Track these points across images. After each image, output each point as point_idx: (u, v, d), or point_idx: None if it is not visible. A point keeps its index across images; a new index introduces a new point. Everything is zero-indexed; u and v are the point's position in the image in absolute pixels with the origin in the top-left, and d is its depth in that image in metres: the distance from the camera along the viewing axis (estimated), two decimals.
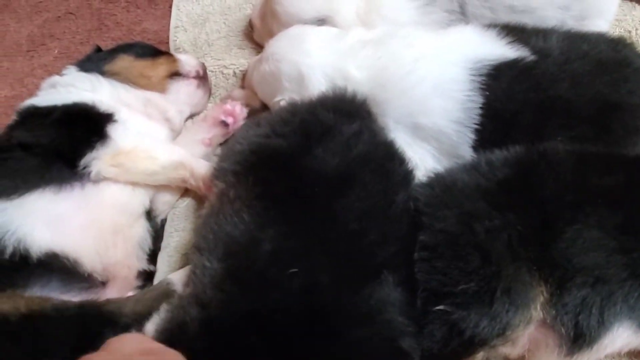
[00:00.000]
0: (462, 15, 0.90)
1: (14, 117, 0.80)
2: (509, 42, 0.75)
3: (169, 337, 0.56)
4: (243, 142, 0.72)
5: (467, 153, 0.73)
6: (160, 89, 0.85)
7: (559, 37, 0.78)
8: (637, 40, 0.97)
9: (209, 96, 0.94)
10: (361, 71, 0.75)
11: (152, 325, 0.61)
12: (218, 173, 0.72)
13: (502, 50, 0.74)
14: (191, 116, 0.93)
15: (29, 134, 0.73)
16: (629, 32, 0.97)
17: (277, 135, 0.69)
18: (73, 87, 0.80)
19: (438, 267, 0.59)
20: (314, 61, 0.77)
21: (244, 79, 0.96)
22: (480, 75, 0.72)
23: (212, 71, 0.97)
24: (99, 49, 0.91)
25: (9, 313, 0.62)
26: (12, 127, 0.77)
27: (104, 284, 0.71)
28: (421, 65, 0.72)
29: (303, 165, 0.65)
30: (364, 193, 0.63)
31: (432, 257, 0.60)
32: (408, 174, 0.69)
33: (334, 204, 0.62)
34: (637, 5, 1.01)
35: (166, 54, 0.91)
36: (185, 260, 0.77)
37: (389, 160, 0.68)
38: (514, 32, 0.78)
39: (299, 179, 0.64)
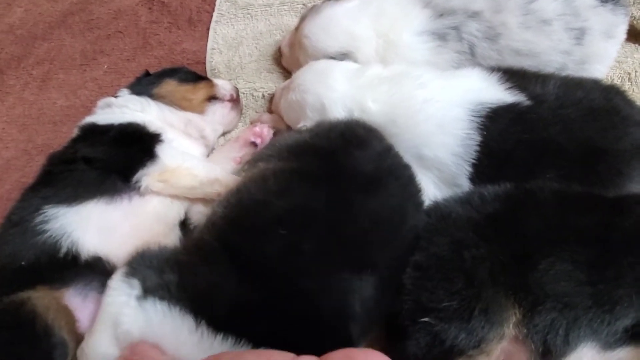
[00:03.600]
0: (472, 56, 0.99)
1: (76, 131, 0.91)
2: (509, 88, 0.84)
3: None
4: (287, 139, 0.83)
5: (465, 183, 0.82)
6: (199, 110, 0.96)
7: (556, 83, 0.86)
8: (637, 82, 1.04)
9: (240, 116, 1.06)
10: (376, 105, 0.85)
11: None
12: (257, 156, 0.83)
13: (502, 94, 0.83)
14: (223, 134, 1.04)
15: (91, 149, 0.83)
16: (629, 74, 1.03)
17: (319, 137, 0.80)
18: (127, 108, 0.91)
19: (427, 286, 0.69)
20: (336, 95, 0.87)
21: (271, 102, 1.07)
22: (480, 116, 0.81)
23: (243, 93, 1.09)
24: (147, 73, 1.02)
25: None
26: (75, 141, 0.88)
27: None
28: (429, 106, 0.82)
29: (342, 160, 0.74)
30: (386, 202, 0.72)
31: (423, 276, 0.70)
32: (422, 201, 0.78)
33: (358, 198, 0.70)
34: (639, 47, 1.09)
35: (205, 79, 1.03)
36: None
37: (410, 182, 0.78)
38: (515, 77, 0.86)
39: (334, 167, 0.73)
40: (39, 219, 0.76)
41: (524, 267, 0.69)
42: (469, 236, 0.72)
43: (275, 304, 0.62)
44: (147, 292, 0.64)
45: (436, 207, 0.77)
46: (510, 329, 0.65)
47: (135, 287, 0.65)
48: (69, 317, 0.72)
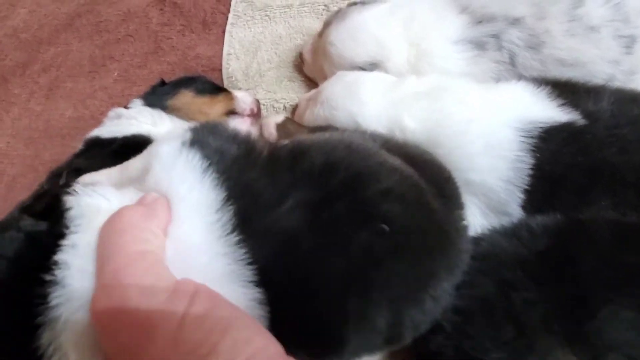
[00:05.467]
0: (511, 66, 0.91)
1: (80, 145, 0.86)
2: (561, 105, 0.77)
3: None
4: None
5: (515, 211, 0.74)
6: None
7: (609, 99, 0.78)
8: None
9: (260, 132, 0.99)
10: (415, 123, 0.77)
11: None
12: None
13: (554, 112, 0.75)
14: None
15: (87, 161, 0.78)
16: None
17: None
18: (135, 120, 0.85)
19: (470, 333, 0.62)
20: (369, 112, 0.80)
21: (293, 114, 1.00)
22: (532, 137, 0.74)
23: (263, 104, 1.02)
24: (163, 82, 0.96)
25: None
26: (77, 155, 0.83)
27: None
28: (474, 126, 0.75)
29: None
30: None
31: (466, 322, 0.63)
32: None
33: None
34: None
35: (224, 90, 0.96)
36: None
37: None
38: (566, 92, 0.79)
39: None
40: None
41: (580, 313, 0.62)
42: (517, 276, 0.65)
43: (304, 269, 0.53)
44: (196, 144, 0.56)
45: (479, 242, 0.70)
46: None
47: (188, 136, 0.57)
48: None
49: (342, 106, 0.83)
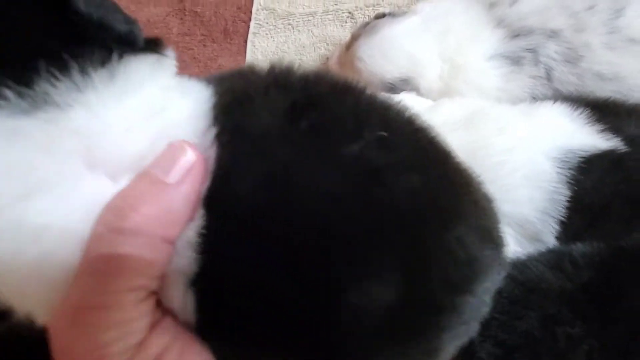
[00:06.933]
0: (548, 80, 0.88)
1: None
2: (601, 131, 0.75)
3: None
4: None
5: (550, 240, 0.73)
6: None
7: None
8: None
9: None
10: None
11: None
12: None
13: (594, 140, 0.74)
14: None
15: None
16: None
17: None
18: None
19: None
20: None
21: None
22: (570, 168, 0.72)
23: None
24: None
25: None
26: None
27: None
28: (512, 156, 0.73)
29: None
30: None
31: (508, 357, 0.63)
32: None
33: None
34: None
35: None
36: None
37: None
38: (606, 115, 0.77)
39: None
40: None
41: (628, 350, 0.62)
42: (562, 311, 0.64)
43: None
44: None
45: (523, 273, 0.70)
46: None
47: None
48: None
49: None
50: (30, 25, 0.37)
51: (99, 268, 0.34)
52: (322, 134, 0.39)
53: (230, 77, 0.47)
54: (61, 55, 0.36)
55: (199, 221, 0.36)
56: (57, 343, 0.35)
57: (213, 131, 0.39)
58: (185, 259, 0.35)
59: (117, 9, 0.41)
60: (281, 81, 0.44)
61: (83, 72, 0.36)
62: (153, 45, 0.44)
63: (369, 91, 0.46)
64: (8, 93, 0.34)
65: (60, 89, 0.35)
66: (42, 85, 0.35)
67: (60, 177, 0.34)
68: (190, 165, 0.37)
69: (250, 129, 0.39)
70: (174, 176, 0.36)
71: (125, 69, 0.38)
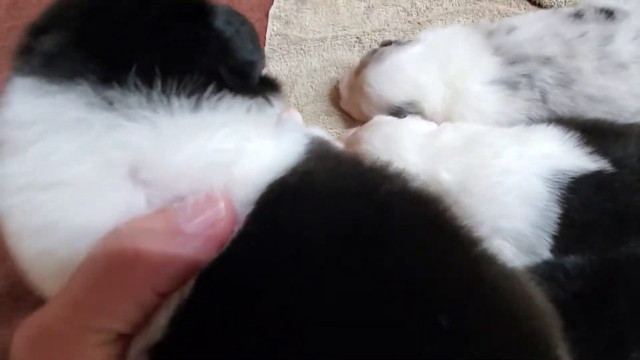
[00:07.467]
0: (543, 102, 0.95)
1: None
2: (590, 153, 0.82)
3: None
4: None
5: (545, 253, 0.81)
6: None
7: (637, 143, 0.83)
8: None
9: None
10: (450, 175, 0.83)
11: None
12: None
13: (582, 161, 0.81)
14: None
15: None
16: None
17: None
18: None
19: None
20: (407, 166, 0.86)
21: None
22: (561, 188, 0.79)
23: None
24: None
25: None
26: None
27: None
28: (507, 178, 0.80)
29: None
30: None
31: None
32: None
33: None
34: None
35: None
36: None
37: None
38: (594, 138, 0.84)
39: None
40: None
41: (615, 354, 0.69)
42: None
43: None
44: None
45: None
46: None
47: None
48: None
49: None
50: (142, 28, 0.36)
51: (76, 296, 0.33)
52: None
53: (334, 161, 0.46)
54: (153, 70, 0.34)
55: (185, 290, 0.34)
56: None
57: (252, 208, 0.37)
58: (154, 325, 0.34)
59: (252, 38, 0.39)
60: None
61: (165, 94, 0.35)
62: (266, 87, 0.41)
63: None
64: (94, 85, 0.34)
65: (133, 101, 0.34)
66: (120, 90, 0.34)
67: (99, 177, 0.34)
68: (214, 221, 0.35)
69: (289, 229, 0.36)
70: (192, 226, 0.34)
71: (214, 106, 0.36)
